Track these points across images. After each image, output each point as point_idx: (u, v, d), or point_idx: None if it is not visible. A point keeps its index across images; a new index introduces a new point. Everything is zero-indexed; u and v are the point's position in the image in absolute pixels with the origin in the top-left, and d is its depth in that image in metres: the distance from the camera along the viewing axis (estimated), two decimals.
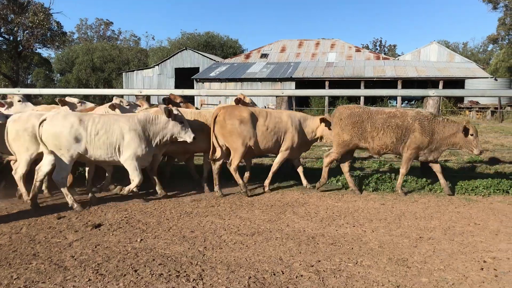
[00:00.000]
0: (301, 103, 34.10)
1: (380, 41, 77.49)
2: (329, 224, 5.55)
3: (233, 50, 57.19)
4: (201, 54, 44.20)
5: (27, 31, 32.88)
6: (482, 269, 4.18)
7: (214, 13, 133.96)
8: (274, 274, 4.01)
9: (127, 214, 5.89)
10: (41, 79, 62.48)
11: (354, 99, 32.54)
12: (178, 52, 44.81)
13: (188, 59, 43.73)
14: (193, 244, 4.78)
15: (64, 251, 4.49)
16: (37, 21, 31.24)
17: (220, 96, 29.23)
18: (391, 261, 4.35)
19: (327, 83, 35.16)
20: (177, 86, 41.51)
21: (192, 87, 36.28)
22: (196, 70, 41.99)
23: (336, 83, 35.15)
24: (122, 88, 43.10)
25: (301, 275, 4.00)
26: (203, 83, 36.96)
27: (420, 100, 30.67)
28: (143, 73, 44.25)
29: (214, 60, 43.41)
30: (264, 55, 44.05)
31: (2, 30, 32.68)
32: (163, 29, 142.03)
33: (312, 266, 4.21)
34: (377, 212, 6.10)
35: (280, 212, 6.05)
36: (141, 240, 4.89)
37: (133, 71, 45.10)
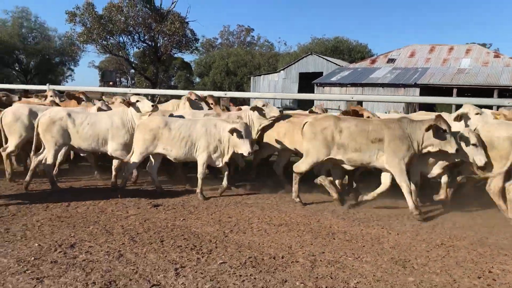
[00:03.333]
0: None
1: None
2: (359, 224, 5.81)
3: (361, 55, 56.42)
4: (325, 58, 44.61)
5: (166, 38, 36.88)
6: (480, 277, 4.19)
7: (346, 18, 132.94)
8: (274, 258, 4.51)
9: (186, 198, 6.81)
10: (182, 82, 68.34)
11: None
12: (304, 57, 45.78)
13: (313, 63, 44.45)
14: (224, 227, 5.47)
15: (118, 222, 5.51)
16: (173, 28, 34.92)
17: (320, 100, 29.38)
18: (391, 260, 4.55)
19: (455, 91, 33.13)
20: (300, 90, 42.45)
21: (313, 92, 36.85)
22: (320, 74, 42.46)
23: (467, 91, 32.96)
24: (250, 91, 45.22)
25: (297, 261, 4.45)
26: (323, 87, 37.38)
27: None
28: (269, 78, 46.10)
29: (338, 65, 43.50)
30: (391, 60, 42.84)
31: (146, 37, 37.21)
32: (295, 35, 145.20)
33: (313, 256, 4.61)
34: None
35: (319, 209, 6.43)
36: (183, 219, 5.72)
37: (260, 75, 47.23)
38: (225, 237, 5.11)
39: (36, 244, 4.60)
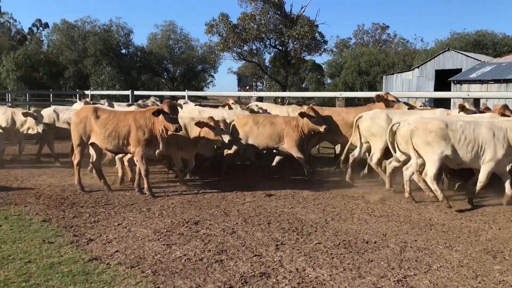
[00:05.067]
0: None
1: None
2: (460, 218, 5.92)
3: (508, 49, 51.56)
4: (464, 54, 41.81)
5: (295, 42, 38.19)
6: None
7: (490, 10, 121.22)
8: (366, 242, 4.97)
9: (296, 190, 7.48)
10: (314, 83, 69.25)
11: None
12: (440, 53, 43.49)
13: (450, 60, 41.99)
14: (326, 215, 6.04)
15: (236, 207, 6.41)
16: (303, 32, 36.03)
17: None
18: (483, 250, 4.71)
19: None
20: (436, 88, 40.45)
21: (450, 90, 34.88)
22: (458, 71, 39.96)
23: None
24: (382, 91, 44.27)
25: (388, 246, 4.85)
26: (461, 85, 35.14)
27: None
28: (403, 76, 44.65)
29: (479, 60, 40.43)
30: None
31: (277, 42, 38.96)
32: (432, 31, 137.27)
33: (405, 243, 4.96)
34: None
35: (424, 204, 6.61)
36: (291, 207, 6.41)
37: (393, 74, 45.98)
38: (326, 223, 5.68)
39: (169, 221, 5.67)
